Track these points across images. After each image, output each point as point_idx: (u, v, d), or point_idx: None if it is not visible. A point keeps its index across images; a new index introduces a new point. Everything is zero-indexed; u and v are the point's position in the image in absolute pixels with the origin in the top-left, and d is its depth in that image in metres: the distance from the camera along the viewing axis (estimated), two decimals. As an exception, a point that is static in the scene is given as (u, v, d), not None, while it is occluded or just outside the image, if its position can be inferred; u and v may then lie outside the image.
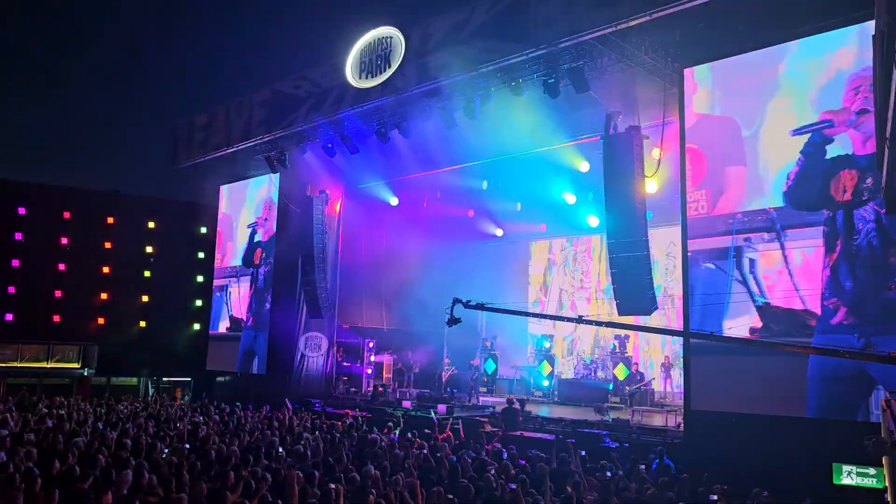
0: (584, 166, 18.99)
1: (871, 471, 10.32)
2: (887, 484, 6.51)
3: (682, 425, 14.15)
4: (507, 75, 15.72)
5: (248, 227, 24.76)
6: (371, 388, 22.05)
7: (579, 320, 10.76)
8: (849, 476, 10.61)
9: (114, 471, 8.35)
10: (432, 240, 24.47)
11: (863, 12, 10.94)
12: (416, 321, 23.55)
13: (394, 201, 24.14)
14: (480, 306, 9.29)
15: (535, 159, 19.62)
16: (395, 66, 17.22)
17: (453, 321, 9.23)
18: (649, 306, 14.68)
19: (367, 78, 17.94)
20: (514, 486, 8.41)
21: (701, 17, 12.82)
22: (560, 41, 14.14)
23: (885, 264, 10.98)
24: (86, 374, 28.07)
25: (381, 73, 17.56)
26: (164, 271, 31.50)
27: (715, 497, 9.00)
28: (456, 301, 9.24)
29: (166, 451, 10.79)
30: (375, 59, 17.78)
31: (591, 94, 15.12)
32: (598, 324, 12.02)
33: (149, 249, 31.63)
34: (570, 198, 21.20)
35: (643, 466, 11.18)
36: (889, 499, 6.50)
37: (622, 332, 20.89)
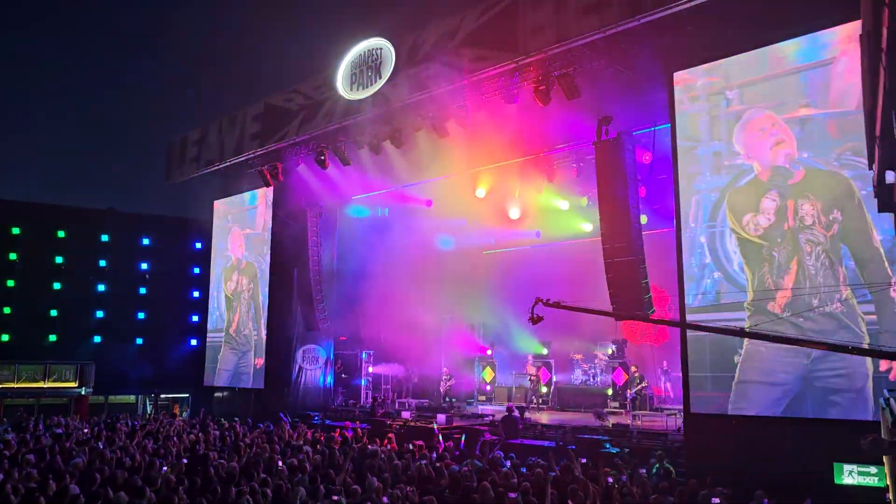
0: (575, 172, 19.01)
1: (873, 469, 10.30)
2: (889, 482, 6.50)
3: (681, 428, 14.14)
4: (497, 83, 15.77)
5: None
6: (370, 400, 22.00)
7: (655, 320, 10.82)
8: (850, 475, 10.59)
9: (111, 490, 8.30)
10: (427, 249, 24.46)
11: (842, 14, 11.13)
12: (413, 332, 23.51)
13: (387, 212, 24.15)
14: (557, 304, 9.43)
15: (529, 166, 19.64)
16: (385, 78, 17.27)
17: (538, 319, 9.36)
18: (645, 310, 14.69)
19: (358, 90, 17.98)
20: (514, 496, 8.38)
21: (689, 21, 12.87)
22: (549, 48, 14.19)
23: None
24: (83, 392, 27.90)
25: (371, 84, 17.61)
26: (159, 288, 31.42)
27: (717, 500, 8.97)
28: (538, 300, 9.41)
29: (165, 468, 10.72)
30: (366, 70, 17.83)
31: (583, 100, 15.14)
32: (669, 323, 11.93)
33: (144, 266, 31.56)
34: (564, 204, 21.24)
35: (644, 471, 11.16)
36: (891, 497, 6.49)
37: (619, 337, 20.91)
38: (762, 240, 12.28)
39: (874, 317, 11.01)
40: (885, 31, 4.18)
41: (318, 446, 13.53)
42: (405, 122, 17.89)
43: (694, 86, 13.63)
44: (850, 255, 11.35)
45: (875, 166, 6.41)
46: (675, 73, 13.91)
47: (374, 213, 24.79)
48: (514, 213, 22.28)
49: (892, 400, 6.84)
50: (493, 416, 18.39)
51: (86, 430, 16.79)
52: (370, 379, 24.22)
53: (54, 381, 27.63)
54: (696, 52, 13.49)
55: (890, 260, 10.88)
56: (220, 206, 26.14)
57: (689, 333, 13.05)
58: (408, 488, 9.03)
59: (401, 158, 19.31)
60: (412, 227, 24.10)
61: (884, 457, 6.34)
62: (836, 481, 10.67)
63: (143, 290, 31.55)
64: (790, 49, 12.40)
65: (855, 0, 6.22)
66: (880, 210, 7.05)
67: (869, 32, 5.20)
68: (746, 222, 12.54)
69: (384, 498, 8.60)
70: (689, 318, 13.02)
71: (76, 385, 27.88)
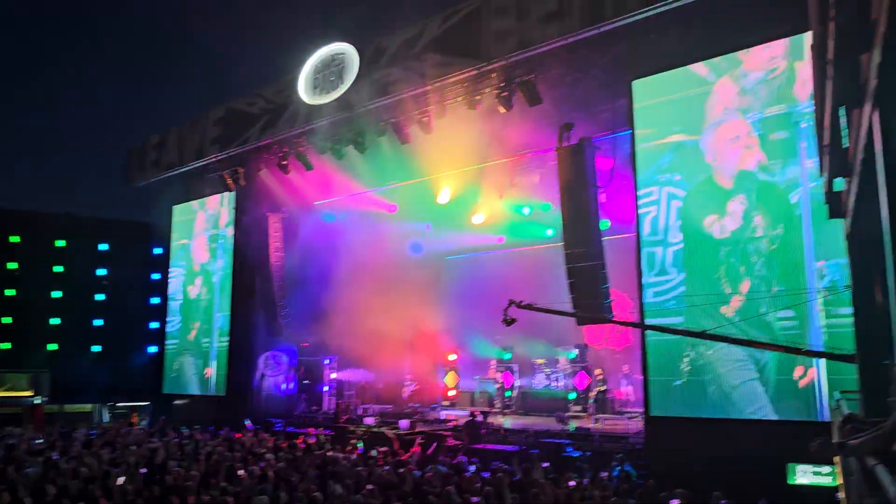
0: (538, 178, 19.15)
1: (826, 469, 10.55)
2: (840, 482, 6.67)
3: (642, 431, 14.31)
4: (460, 89, 15.84)
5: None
6: (333, 406, 21.87)
7: (616, 321, 11.07)
8: (804, 476, 10.84)
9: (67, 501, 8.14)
10: (391, 254, 24.40)
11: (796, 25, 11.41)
12: (376, 337, 23.42)
13: (351, 217, 24.04)
14: (530, 306, 9.55)
15: (491, 172, 19.73)
16: (348, 83, 17.23)
17: (511, 321, 9.46)
18: (606, 314, 14.85)
19: (320, 94, 17.90)
20: (476, 500, 8.42)
21: (649, 30, 13.09)
22: (511, 55, 14.31)
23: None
24: (38, 401, 27.22)
25: (334, 89, 17.55)
26: (118, 294, 30.85)
27: (676, 501, 9.11)
28: (511, 302, 9.52)
29: (122, 478, 10.53)
30: (329, 75, 17.77)
31: (545, 107, 15.28)
32: (629, 325, 12.03)
33: (102, 272, 30.94)
34: (527, 209, 21.39)
35: (605, 474, 11.29)
36: (842, 496, 6.65)
37: (581, 342, 21.10)
38: (727, 244, 12.51)
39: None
40: (830, 44, 4.31)
41: (281, 453, 13.42)
42: (368, 127, 17.84)
43: (653, 93, 13.87)
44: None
45: (825, 174, 6.59)
46: (633, 81, 14.11)
47: (337, 218, 24.64)
48: (477, 219, 22.38)
49: (842, 401, 7.02)
50: (457, 420, 18.42)
51: (39, 441, 16.38)
52: (333, 385, 24.06)
53: (7, 389, 26.94)
54: (656, 60, 13.71)
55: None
56: (180, 210, 25.75)
57: (650, 337, 13.25)
58: (370, 492, 9.00)
59: (364, 163, 19.25)
60: (376, 233, 24.02)
61: (835, 458, 6.50)
62: (789, 481, 10.91)
63: (100, 297, 30.95)
64: (748, 58, 12.70)
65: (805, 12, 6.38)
66: (830, 216, 7.24)
67: (817, 45, 5.35)
68: (710, 224, 12.75)
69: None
70: (651, 322, 13.20)
71: (30, 394, 27.22)
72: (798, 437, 10.67)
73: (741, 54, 12.71)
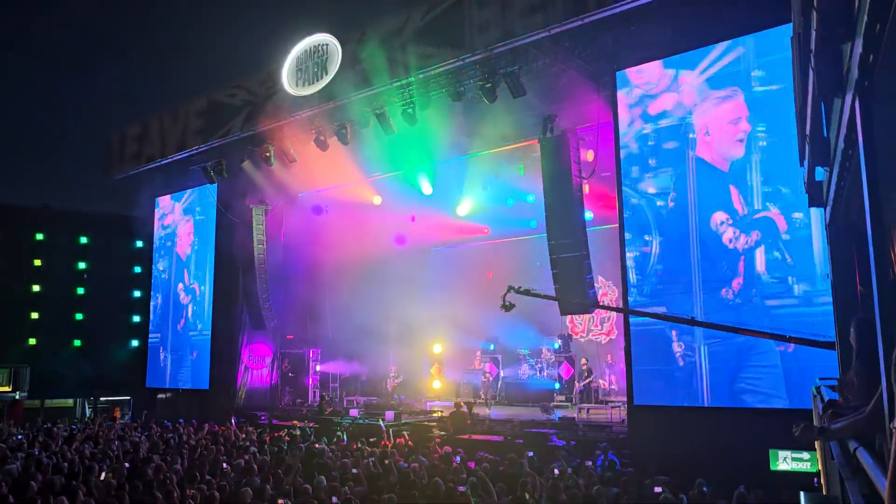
0: (522, 169, 19.19)
1: (805, 455, 10.70)
2: (820, 467, 6.76)
3: (626, 420, 14.42)
4: (444, 80, 15.81)
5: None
6: (318, 399, 21.83)
7: (626, 310, 11.32)
8: (785, 461, 10.98)
9: (51, 497, 8.07)
10: (375, 246, 24.34)
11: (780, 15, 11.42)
12: (361, 328, 23.41)
13: (334, 208, 23.97)
14: (528, 291, 9.62)
15: (475, 163, 19.75)
16: (332, 74, 17.15)
17: (510, 306, 9.51)
18: (590, 305, 14.95)
19: (304, 86, 17.81)
20: (463, 489, 8.45)
21: (632, 21, 13.11)
22: (495, 46, 14.30)
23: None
24: (17, 397, 26.97)
25: (318, 80, 17.47)
26: (98, 288, 30.58)
27: (659, 489, 9.18)
28: (510, 288, 9.60)
29: (105, 473, 10.46)
30: (312, 66, 17.68)
31: (528, 98, 15.30)
32: (613, 309, 12.12)
33: (82, 266, 30.64)
34: (511, 200, 21.43)
35: (590, 463, 11.37)
36: (822, 482, 6.75)
37: (565, 331, 21.21)
38: (713, 232, 12.62)
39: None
40: (813, 34, 4.33)
41: (265, 446, 13.39)
42: (352, 119, 17.78)
43: (636, 84, 13.92)
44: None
45: (805, 163, 6.64)
46: (617, 72, 14.15)
47: (321, 209, 24.54)
48: (461, 210, 22.37)
49: (822, 388, 7.11)
50: (442, 412, 18.44)
51: (19, 437, 16.23)
52: (318, 377, 24.01)
53: (-13, 385, 26.68)
54: (640, 51, 13.74)
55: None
56: (162, 203, 25.55)
57: (633, 328, 13.32)
58: (356, 483, 9.01)
59: (348, 155, 19.19)
60: (360, 224, 23.95)
61: (816, 443, 6.58)
62: (772, 467, 11.04)
63: (80, 291, 30.66)
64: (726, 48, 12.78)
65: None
66: (810, 205, 7.30)
67: (799, 35, 5.38)
68: (694, 213, 12.83)
69: (333, 498, 8.57)
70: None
71: (10, 389, 26.96)
72: (780, 424, 10.86)
73: (723, 45, 12.77)
